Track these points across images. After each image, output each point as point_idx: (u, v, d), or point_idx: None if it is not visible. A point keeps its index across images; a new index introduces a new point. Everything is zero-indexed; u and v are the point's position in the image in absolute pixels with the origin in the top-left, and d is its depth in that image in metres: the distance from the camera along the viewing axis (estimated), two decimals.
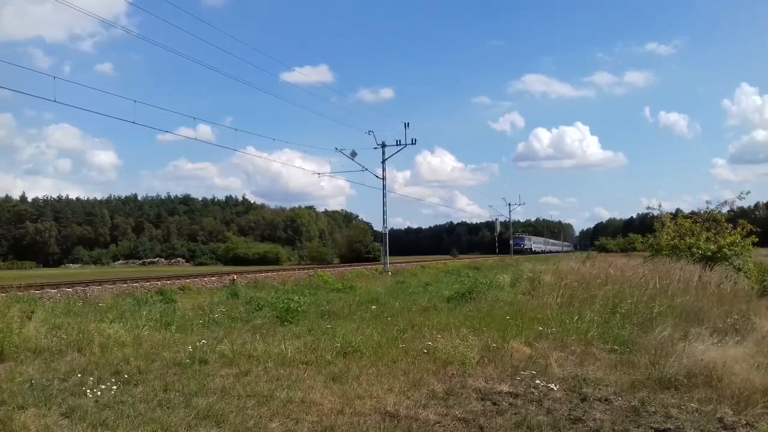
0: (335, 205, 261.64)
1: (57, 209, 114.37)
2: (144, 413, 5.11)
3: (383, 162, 35.34)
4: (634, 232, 77.57)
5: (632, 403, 5.71)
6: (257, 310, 12.00)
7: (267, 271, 25.32)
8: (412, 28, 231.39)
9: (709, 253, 21.04)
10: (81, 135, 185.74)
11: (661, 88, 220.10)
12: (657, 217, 25.66)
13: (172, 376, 6.48)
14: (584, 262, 22.19)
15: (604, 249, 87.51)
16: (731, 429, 5.07)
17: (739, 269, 20.12)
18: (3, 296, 11.67)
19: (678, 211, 30.78)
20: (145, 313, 10.89)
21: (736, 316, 10.44)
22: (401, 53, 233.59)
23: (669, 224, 24.02)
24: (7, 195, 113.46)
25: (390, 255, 36.24)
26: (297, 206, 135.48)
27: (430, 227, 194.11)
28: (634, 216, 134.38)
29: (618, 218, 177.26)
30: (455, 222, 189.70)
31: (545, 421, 5.11)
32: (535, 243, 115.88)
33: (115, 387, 5.86)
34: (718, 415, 5.36)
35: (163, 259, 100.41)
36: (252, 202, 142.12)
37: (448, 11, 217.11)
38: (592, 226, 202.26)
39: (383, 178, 35.44)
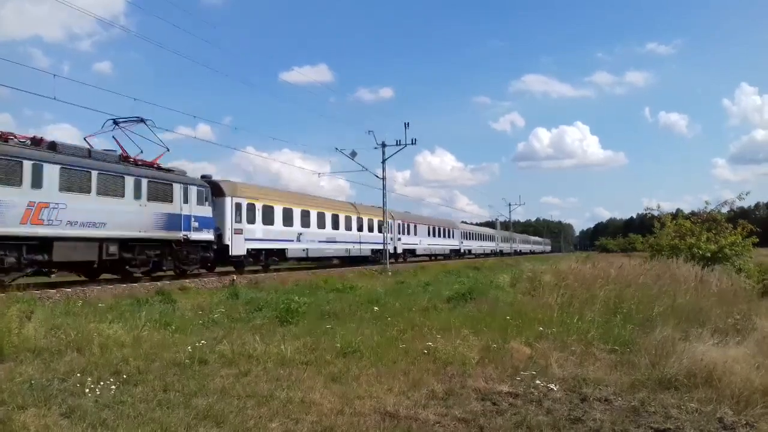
0: None
1: None
2: (144, 413, 5.11)
3: (383, 162, 35.28)
4: (634, 232, 77.54)
5: (632, 404, 5.71)
6: (257, 310, 11.98)
7: (267, 271, 25.28)
8: (412, 28, 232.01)
9: (710, 254, 21.08)
10: (80, 135, 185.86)
11: (661, 88, 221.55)
12: (657, 217, 25.73)
13: (172, 376, 6.47)
14: (584, 262, 22.18)
15: (604, 249, 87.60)
16: (731, 429, 5.07)
17: (740, 269, 20.15)
18: (2, 296, 11.66)
19: (678, 211, 30.88)
20: (144, 313, 10.87)
21: (737, 317, 10.45)
22: (401, 53, 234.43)
23: (669, 224, 24.08)
24: None
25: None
26: None
27: None
28: (635, 216, 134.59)
29: (618, 218, 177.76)
30: None
31: (545, 422, 5.11)
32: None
33: (114, 387, 5.85)
34: (718, 416, 5.36)
35: None
36: None
37: (448, 11, 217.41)
38: (592, 225, 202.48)
39: (383, 178, 35.40)
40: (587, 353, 7.85)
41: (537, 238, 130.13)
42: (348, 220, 35.18)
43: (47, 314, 9.97)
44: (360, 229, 36.57)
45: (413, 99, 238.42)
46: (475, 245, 68.62)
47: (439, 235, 54.04)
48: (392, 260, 39.55)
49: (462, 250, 61.16)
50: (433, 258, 52.37)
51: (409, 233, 45.69)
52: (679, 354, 7.09)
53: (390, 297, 14.89)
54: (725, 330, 9.15)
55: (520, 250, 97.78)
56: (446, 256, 55.86)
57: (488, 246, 76.58)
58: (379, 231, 37.13)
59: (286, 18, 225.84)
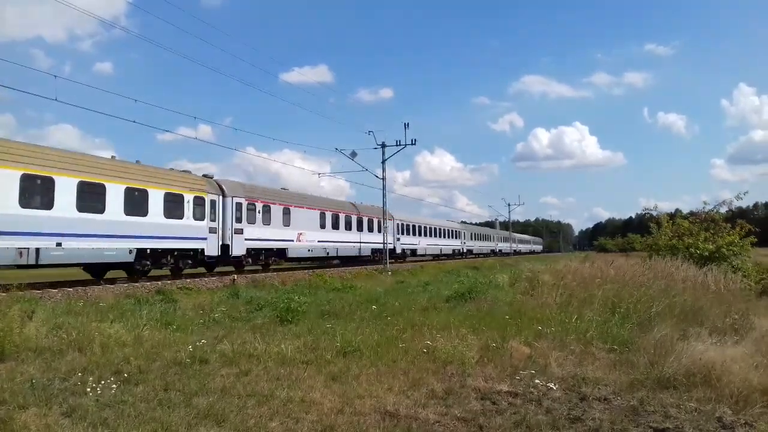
0: None
1: None
2: (144, 412, 5.13)
3: (383, 162, 35.30)
4: (633, 232, 77.25)
5: (631, 403, 5.74)
6: (257, 309, 12.02)
7: (267, 271, 25.30)
8: (412, 29, 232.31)
9: (708, 253, 21.11)
10: (81, 135, 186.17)
11: (659, 89, 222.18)
12: (654, 217, 25.77)
13: (173, 375, 6.49)
14: (582, 262, 22.21)
15: (603, 249, 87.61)
16: (730, 428, 5.09)
17: (738, 269, 20.17)
18: (4, 296, 11.67)
19: (677, 211, 30.95)
20: (145, 312, 10.91)
21: (735, 316, 10.48)
22: (401, 53, 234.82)
23: (666, 224, 24.11)
24: None
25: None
26: None
27: None
28: (633, 216, 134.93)
29: (617, 218, 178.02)
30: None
31: (544, 421, 5.13)
32: None
33: (115, 386, 5.88)
34: (717, 415, 5.39)
35: None
36: None
37: (447, 12, 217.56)
38: (591, 225, 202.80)
39: (383, 179, 35.41)
40: (586, 352, 7.87)
41: (525, 237, 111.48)
42: (75, 188, 16.55)
43: (48, 314, 10.00)
44: (132, 210, 18.36)
45: (413, 99, 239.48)
46: (424, 243, 48.22)
47: (348, 228, 34.07)
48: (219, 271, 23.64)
49: (399, 250, 42.02)
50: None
51: (269, 222, 25.57)
52: (677, 353, 7.11)
53: (389, 297, 14.92)
54: (723, 329, 9.18)
55: (501, 250, 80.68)
56: (365, 259, 36.88)
57: (448, 245, 55.80)
58: (194, 218, 20.92)
59: (286, 18, 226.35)
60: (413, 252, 46.26)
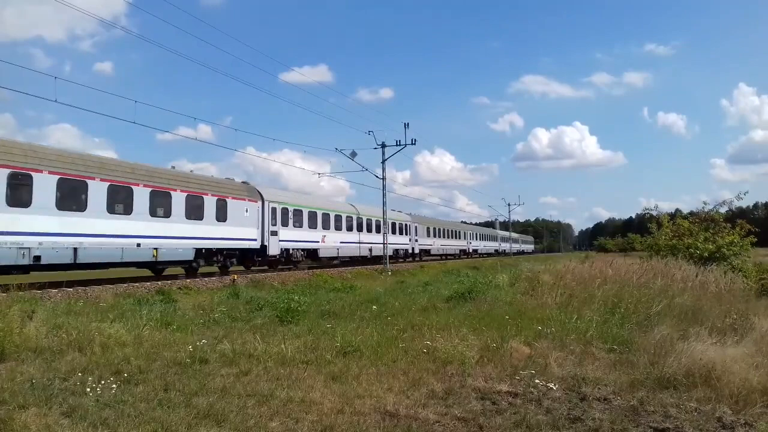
0: None
1: None
2: (144, 412, 5.13)
3: (383, 162, 35.29)
4: (633, 232, 76.99)
5: (631, 403, 5.74)
6: (257, 309, 12.03)
7: (267, 271, 25.25)
8: (411, 29, 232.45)
9: (708, 253, 21.11)
10: (81, 135, 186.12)
11: (659, 89, 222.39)
12: (654, 217, 25.78)
13: (173, 375, 6.49)
14: (582, 262, 22.20)
15: (603, 249, 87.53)
16: (730, 428, 5.10)
17: (738, 269, 20.16)
18: (4, 296, 11.67)
19: (677, 211, 30.95)
20: (145, 312, 10.90)
21: (735, 316, 10.48)
22: (401, 53, 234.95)
23: (666, 224, 24.13)
24: None
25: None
26: None
27: None
28: (633, 216, 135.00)
29: (617, 218, 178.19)
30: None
31: (544, 421, 5.13)
32: None
33: (115, 386, 5.88)
34: (717, 415, 5.39)
35: None
36: None
37: (447, 12, 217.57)
38: (591, 225, 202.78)
39: (383, 179, 35.39)
40: (586, 352, 7.87)
41: (513, 235, 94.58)
42: None
43: (49, 314, 9.99)
44: None
45: (413, 99, 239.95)
46: (332, 240, 30.95)
47: (125, 210, 17.54)
48: None
49: (276, 250, 25.74)
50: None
51: None
52: (677, 353, 7.11)
53: (389, 297, 14.92)
54: (723, 329, 9.17)
55: (475, 250, 66.14)
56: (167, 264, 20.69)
57: (383, 243, 34.39)
58: None
59: (286, 18, 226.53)
60: (310, 253, 28.86)
